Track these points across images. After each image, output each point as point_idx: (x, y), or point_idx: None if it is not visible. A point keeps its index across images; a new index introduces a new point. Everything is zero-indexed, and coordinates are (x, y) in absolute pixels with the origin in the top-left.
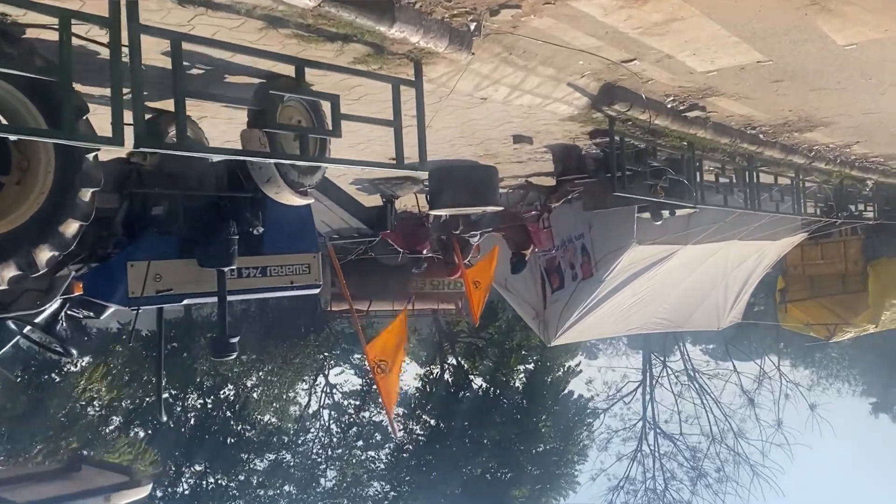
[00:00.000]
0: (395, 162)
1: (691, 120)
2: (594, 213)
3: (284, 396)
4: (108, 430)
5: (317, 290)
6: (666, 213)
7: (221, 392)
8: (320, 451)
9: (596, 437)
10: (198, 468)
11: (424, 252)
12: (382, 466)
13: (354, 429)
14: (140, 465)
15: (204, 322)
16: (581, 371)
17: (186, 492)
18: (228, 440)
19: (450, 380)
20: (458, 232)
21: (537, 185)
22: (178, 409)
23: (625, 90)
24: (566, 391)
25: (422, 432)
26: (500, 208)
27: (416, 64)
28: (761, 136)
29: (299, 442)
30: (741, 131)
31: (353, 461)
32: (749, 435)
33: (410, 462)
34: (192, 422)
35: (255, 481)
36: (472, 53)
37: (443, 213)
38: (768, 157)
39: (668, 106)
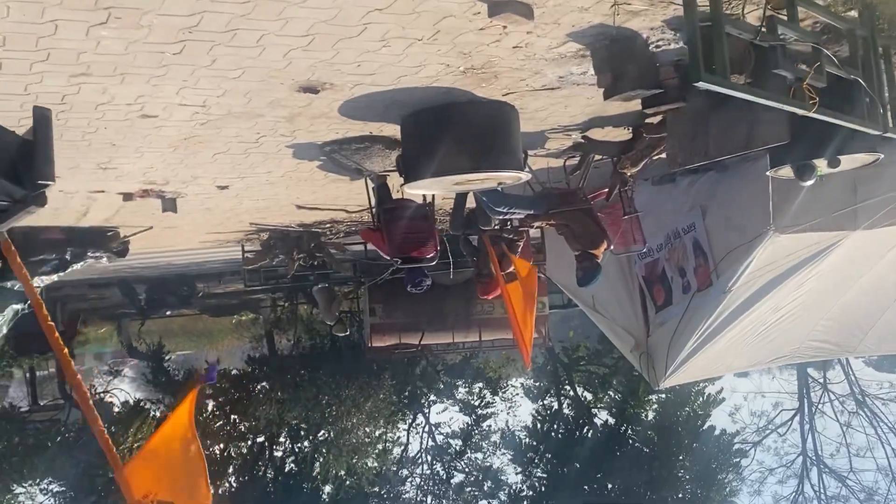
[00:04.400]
0: None
1: None
2: (708, 191)
3: (378, 439)
4: None
5: None
6: (821, 165)
7: (286, 445)
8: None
9: (746, 477)
10: None
11: (427, 259)
12: None
13: (460, 476)
14: None
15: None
16: (724, 399)
17: None
18: (299, 495)
19: (569, 415)
20: (491, 228)
21: (602, 143)
22: (236, 464)
23: None
24: (706, 425)
25: (543, 474)
26: (524, 175)
27: None
28: None
29: (384, 495)
30: None
31: None
32: None
33: None
34: (259, 478)
35: None
36: None
37: (421, 189)
38: None
39: None
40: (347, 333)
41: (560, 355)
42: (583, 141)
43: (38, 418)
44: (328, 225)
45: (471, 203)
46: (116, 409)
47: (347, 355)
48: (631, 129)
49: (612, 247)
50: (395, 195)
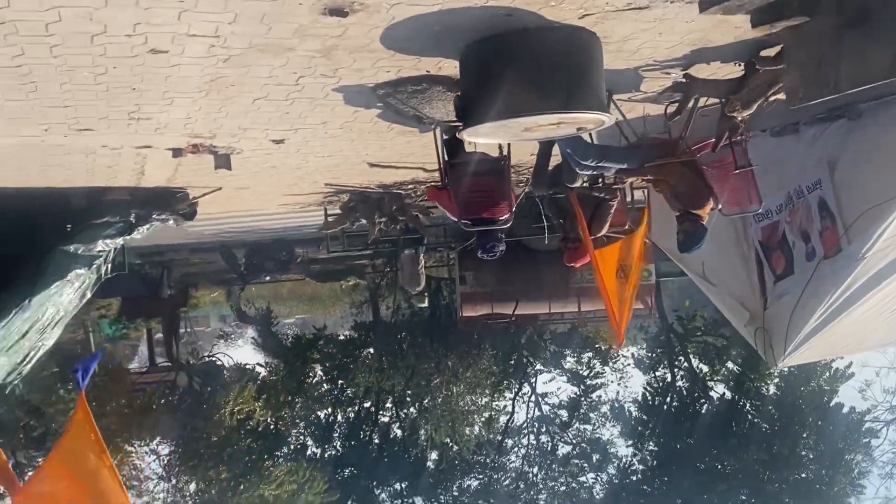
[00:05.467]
0: None
1: None
2: (838, 142)
3: (484, 407)
4: (265, 457)
5: None
6: None
7: (382, 411)
8: (524, 475)
9: (877, 458)
10: (384, 495)
11: (500, 222)
12: (601, 494)
13: (567, 447)
14: (308, 495)
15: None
16: (853, 374)
17: None
18: (404, 461)
19: (683, 388)
20: (579, 185)
21: (707, 82)
22: (342, 429)
23: None
24: (833, 402)
25: (654, 447)
26: (607, 118)
27: None
28: None
29: (488, 464)
30: None
31: (564, 488)
32: None
33: (637, 488)
34: (359, 443)
35: None
36: None
37: (483, 137)
38: None
39: None
40: (426, 305)
41: (674, 325)
42: (684, 80)
43: (148, 380)
44: (410, 186)
45: (557, 157)
46: (226, 373)
47: (446, 323)
48: (743, 63)
49: (720, 206)
50: (469, 148)
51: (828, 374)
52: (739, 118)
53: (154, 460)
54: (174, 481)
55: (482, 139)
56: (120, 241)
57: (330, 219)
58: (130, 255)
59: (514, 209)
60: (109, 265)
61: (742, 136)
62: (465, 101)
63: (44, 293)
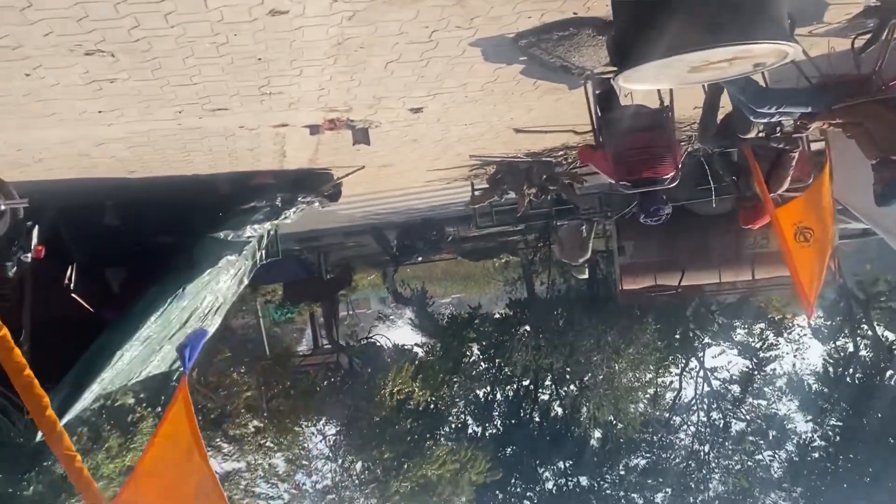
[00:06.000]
0: None
1: None
2: None
3: (649, 384)
4: (426, 437)
5: None
6: None
7: (541, 389)
8: (694, 453)
9: None
10: (547, 474)
11: (664, 180)
12: (779, 473)
13: (740, 424)
14: (471, 474)
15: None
16: None
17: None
18: (566, 439)
19: (868, 358)
20: (754, 136)
21: None
22: (502, 408)
23: None
24: None
25: (837, 422)
26: (790, 48)
27: None
28: None
29: (655, 442)
30: None
31: (739, 466)
32: None
33: (820, 466)
34: (520, 422)
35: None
36: None
37: (643, 82)
38: None
39: None
40: (587, 276)
41: (854, 290)
42: (878, 3)
43: (312, 362)
44: (560, 152)
45: (724, 108)
46: (385, 354)
47: (605, 298)
48: None
49: None
50: (624, 102)
51: None
52: None
53: (321, 440)
54: (340, 461)
55: (641, 85)
56: (268, 225)
57: (477, 193)
58: (288, 242)
59: (679, 166)
60: (263, 251)
61: None
62: (621, 40)
63: (197, 281)
